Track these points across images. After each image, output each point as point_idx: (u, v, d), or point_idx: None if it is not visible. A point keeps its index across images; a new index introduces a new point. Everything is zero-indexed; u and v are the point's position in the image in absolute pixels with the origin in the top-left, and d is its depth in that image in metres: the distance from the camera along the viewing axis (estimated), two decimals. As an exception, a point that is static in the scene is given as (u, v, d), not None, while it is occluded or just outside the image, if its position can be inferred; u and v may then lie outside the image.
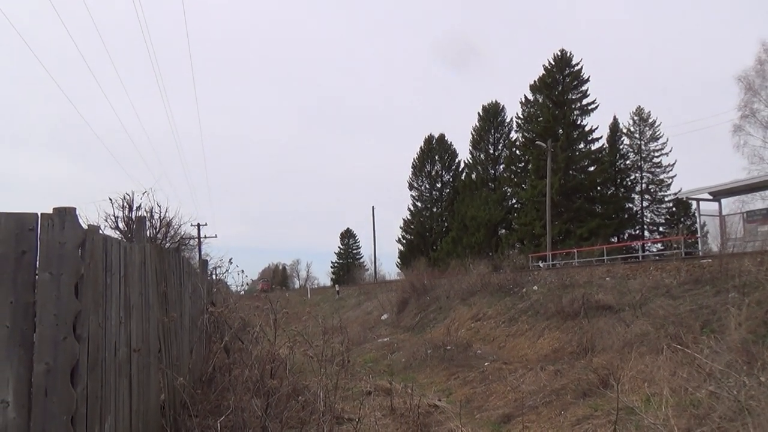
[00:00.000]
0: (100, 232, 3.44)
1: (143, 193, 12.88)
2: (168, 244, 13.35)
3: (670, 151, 44.44)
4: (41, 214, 2.75)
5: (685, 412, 6.32)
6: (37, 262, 2.71)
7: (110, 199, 11.00)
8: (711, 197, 23.25)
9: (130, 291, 3.89)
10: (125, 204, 11.21)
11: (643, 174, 45.57)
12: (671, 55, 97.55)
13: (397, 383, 10.19)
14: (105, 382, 3.22)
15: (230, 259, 18.55)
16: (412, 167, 59.85)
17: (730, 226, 21.23)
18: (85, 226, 2.99)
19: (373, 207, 60.29)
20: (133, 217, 10.46)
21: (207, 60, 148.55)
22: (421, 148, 59.83)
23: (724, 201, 23.71)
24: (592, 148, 43.93)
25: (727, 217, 22.73)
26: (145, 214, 11.67)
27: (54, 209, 2.80)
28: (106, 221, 11.02)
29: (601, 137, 44.36)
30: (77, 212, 2.88)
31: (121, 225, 11.07)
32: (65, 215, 2.79)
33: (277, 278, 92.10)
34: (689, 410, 6.33)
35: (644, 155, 45.45)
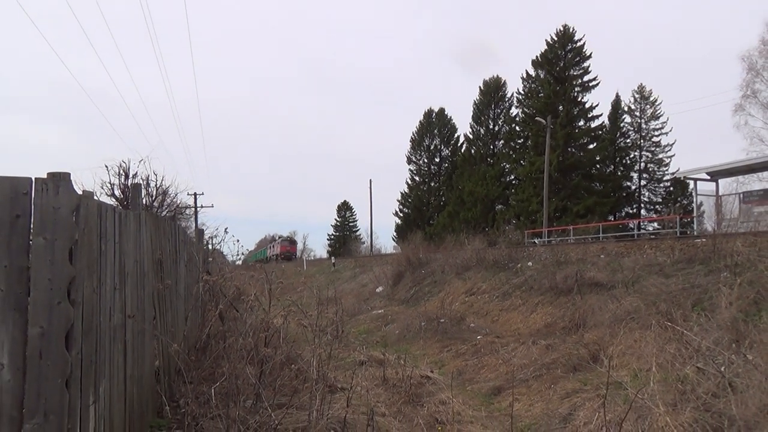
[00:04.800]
0: (96, 198, 3.44)
1: (140, 162, 12.86)
2: (164, 213, 13.35)
3: (671, 130, 44.32)
4: (35, 178, 2.75)
5: (672, 387, 6.42)
6: (32, 227, 2.72)
7: (106, 167, 11.00)
8: (708, 177, 23.29)
9: (125, 258, 3.91)
10: (122, 171, 11.21)
11: (643, 153, 45.42)
12: (675, 33, 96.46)
13: (390, 354, 10.30)
14: (100, 346, 3.26)
15: (225, 229, 18.40)
16: (411, 141, 59.68)
17: (726, 207, 21.30)
18: (79, 192, 2.99)
19: (370, 180, 60.58)
20: (129, 184, 10.45)
21: (206, 28, 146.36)
22: (420, 122, 59.55)
23: (721, 181, 23.75)
24: (592, 125, 43.67)
25: (724, 197, 22.79)
26: (142, 182, 11.66)
27: (48, 174, 2.80)
28: (102, 188, 11.04)
29: (601, 114, 44.08)
30: (71, 178, 2.87)
31: (117, 192, 11.09)
32: (59, 180, 2.79)
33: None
34: (676, 385, 6.44)
35: (644, 134, 45.23)
